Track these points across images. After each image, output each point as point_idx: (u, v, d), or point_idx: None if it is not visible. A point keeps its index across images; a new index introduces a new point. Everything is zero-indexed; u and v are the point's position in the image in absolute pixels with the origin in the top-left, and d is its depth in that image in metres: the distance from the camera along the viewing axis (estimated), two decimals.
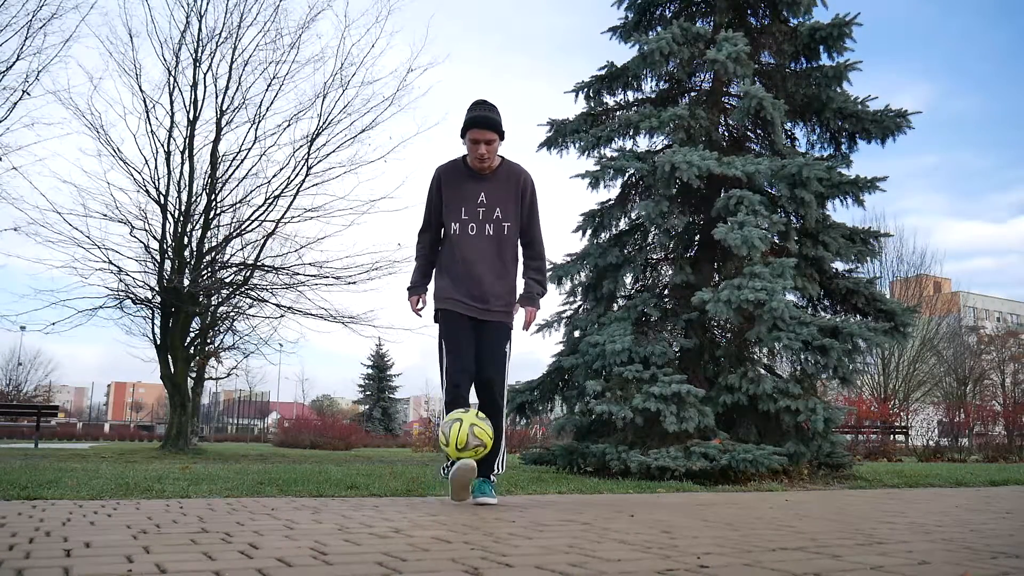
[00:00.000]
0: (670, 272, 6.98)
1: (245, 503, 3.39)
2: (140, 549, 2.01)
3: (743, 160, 6.28)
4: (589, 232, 7.17)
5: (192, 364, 12.75)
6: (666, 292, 7.01)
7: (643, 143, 7.13)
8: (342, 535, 2.38)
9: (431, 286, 3.89)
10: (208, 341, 13.25)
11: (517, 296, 3.86)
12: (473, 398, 3.73)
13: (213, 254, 11.95)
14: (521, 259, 3.88)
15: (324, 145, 11.95)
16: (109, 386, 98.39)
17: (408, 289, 3.91)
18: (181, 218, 11.59)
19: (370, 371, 41.30)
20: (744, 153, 6.86)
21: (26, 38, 10.48)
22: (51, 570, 1.71)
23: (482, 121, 3.60)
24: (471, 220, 3.69)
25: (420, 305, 3.87)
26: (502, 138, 3.69)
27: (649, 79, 7.34)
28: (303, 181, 11.84)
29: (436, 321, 3.80)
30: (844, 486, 5.62)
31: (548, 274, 7.06)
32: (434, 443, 19.92)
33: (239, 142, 12.12)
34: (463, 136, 3.68)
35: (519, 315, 3.85)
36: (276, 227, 11.91)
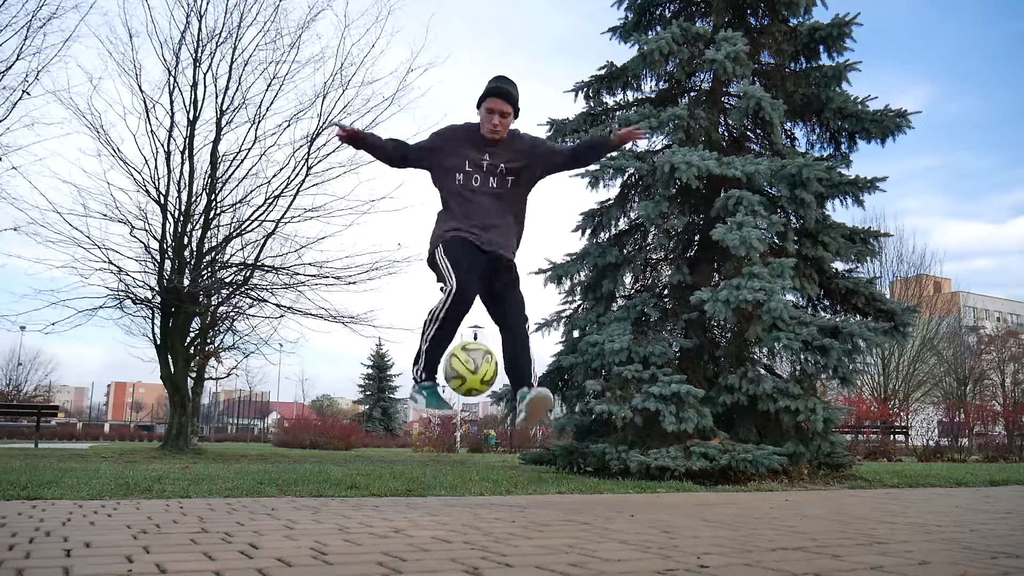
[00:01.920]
0: (669, 272, 6.98)
1: (245, 503, 3.39)
2: (140, 549, 2.01)
3: (743, 160, 6.28)
4: (588, 232, 7.17)
5: (192, 364, 12.75)
6: (665, 292, 7.01)
7: (642, 143, 7.13)
8: (342, 535, 2.38)
9: (429, 231, 3.74)
10: (208, 341, 13.25)
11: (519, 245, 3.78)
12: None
13: (213, 254, 11.94)
14: (574, 150, 3.88)
15: (324, 145, 11.94)
16: (109, 386, 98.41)
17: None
18: (181, 218, 11.58)
19: (370, 371, 41.27)
20: (744, 153, 6.86)
21: (26, 38, 10.45)
22: (51, 570, 1.71)
23: (501, 92, 3.59)
24: (475, 172, 3.63)
25: (347, 130, 3.74)
26: (516, 115, 3.67)
27: (649, 79, 7.34)
28: (303, 181, 11.83)
29: (436, 256, 3.59)
30: (844, 486, 5.62)
31: (548, 274, 7.10)
32: (434, 443, 19.92)
33: (239, 142, 12.12)
34: (479, 106, 3.65)
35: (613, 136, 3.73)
36: (276, 227, 11.91)
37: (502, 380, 3.71)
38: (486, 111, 3.61)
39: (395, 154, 3.81)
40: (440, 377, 3.55)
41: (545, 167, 3.79)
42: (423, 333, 3.49)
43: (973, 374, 30.10)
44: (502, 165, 3.64)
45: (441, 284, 3.52)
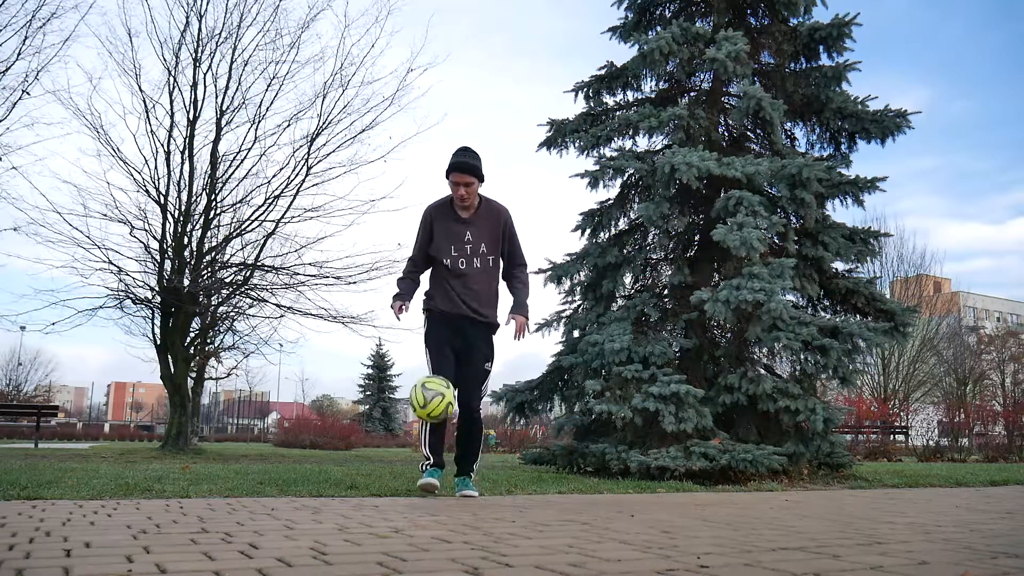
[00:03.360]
0: (669, 272, 6.98)
1: (245, 503, 3.39)
2: (140, 549, 2.01)
3: (743, 161, 6.28)
4: (588, 232, 7.17)
5: (192, 364, 12.74)
6: (665, 292, 7.01)
7: (642, 143, 7.14)
8: (342, 535, 2.38)
9: (418, 295, 4.37)
10: (208, 341, 13.23)
11: (498, 312, 4.31)
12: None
13: (213, 254, 11.93)
14: (505, 275, 4.37)
15: (324, 145, 11.94)
16: (109, 386, 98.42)
17: (393, 296, 4.30)
18: (181, 218, 11.58)
19: (370, 371, 41.27)
20: (744, 153, 6.86)
21: (26, 38, 10.45)
22: (51, 570, 1.71)
23: (462, 167, 4.08)
24: (460, 256, 4.17)
25: (404, 311, 4.28)
26: (481, 181, 4.17)
27: (649, 79, 7.34)
28: (303, 181, 11.83)
29: (424, 316, 4.32)
30: (844, 486, 5.62)
31: (548, 273, 7.10)
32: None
33: (239, 142, 12.10)
34: (447, 177, 4.14)
35: (509, 326, 4.25)
36: (276, 227, 11.90)
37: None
38: (453, 183, 4.13)
39: (424, 269, 4.38)
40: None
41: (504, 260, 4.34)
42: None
43: (973, 374, 30.09)
44: (483, 247, 4.20)
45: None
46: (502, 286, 4.37)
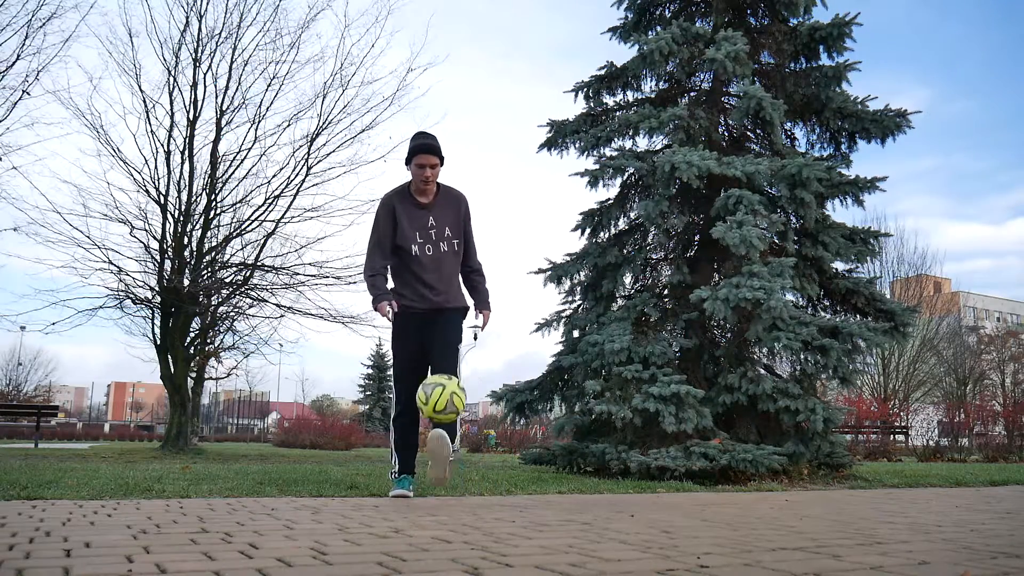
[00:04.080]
0: (669, 272, 6.98)
1: (245, 503, 3.39)
2: (140, 549, 2.01)
3: (743, 160, 6.28)
4: (588, 231, 7.17)
5: (192, 364, 12.74)
6: (665, 292, 7.01)
7: (642, 143, 7.14)
8: (342, 535, 2.38)
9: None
10: (208, 341, 13.23)
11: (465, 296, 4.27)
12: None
13: (213, 254, 11.93)
14: (463, 271, 4.29)
15: (324, 145, 11.94)
16: (109, 386, 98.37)
17: (375, 298, 4.12)
18: (181, 218, 11.58)
19: (370, 371, 41.31)
20: (744, 153, 6.86)
21: (26, 38, 10.44)
22: (51, 570, 1.71)
23: (426, 148, 4.03)
24: (427, 242, 4.11)
25: (393, 310, 4.12)
26: (442, 163, 4.13)
27: (649, 79, 7.34)
28: (303, 181, 11.83)
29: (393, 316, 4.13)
30: (844, 486, 5.62)
31: (548, 273, 7.11)
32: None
33: (239, 142, 12.10)
34: (408, 163, 4.09)
35: (478, 319, 4.21)
36: (276, 227, 11.91)
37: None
38: (416, 167, 4.05)
39: (389, 259, 4.22)
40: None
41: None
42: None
43: (973, 374, 30.09)
44: (447, 231, 4.13)
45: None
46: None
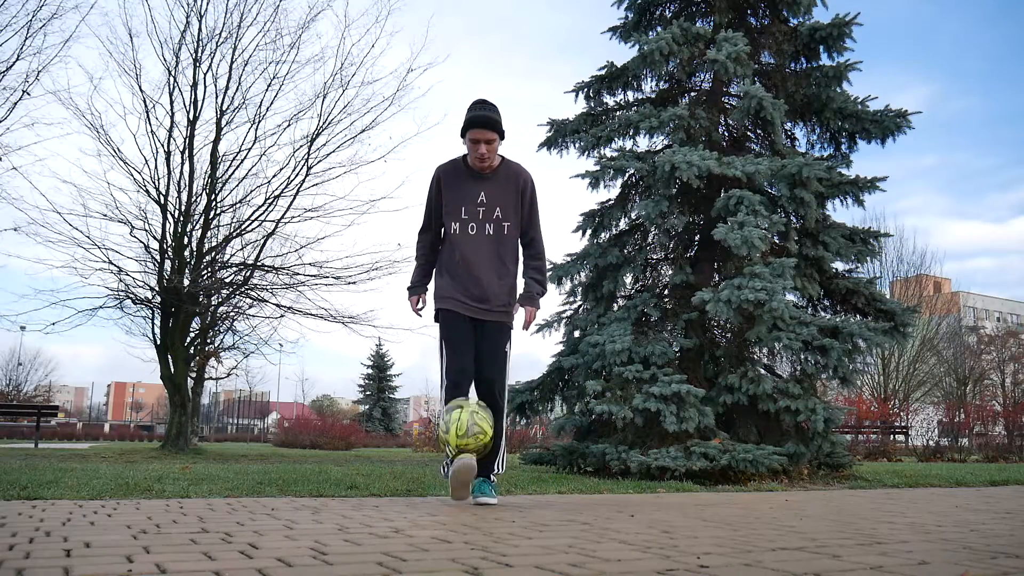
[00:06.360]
0: (670, 272, 6.98)
1: (245, 503, 3.39)
2: (140, 549, 2.01)
3: (743, 160, 6.28)
4: (589, 232, 7.17)
5: (192, 364, 12.75)
6: (666, 292, 7.01)
7: (643, 143, 7.13)
8: (342, 535, 2.37)
9: (431, 285, 3.90)
10: (208, 341, 13.24)
11: (517, 296, 3.85)
12: (473, 396, 3.74)
13: (213, 254, 11.94)
14: (521, 258, 3.87)
15: (324, 145, 11.94)
16: (109, 386, 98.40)
17: (408, 289, 3.92)
18: (181, 218, 11.58)
19: (370, 371, 41.24)
20: (744, 153, 6.86)
21: (26, 38, 10.46)
22: (51, 570, 1.71)
23: (482, 121, 3.59)
24: (471, 220, 3.68)
25: (420, 305, 3.89)
26: (502, 138, 3.68)
27: (649, 79, 7.34)
28: (303, 181, 11.83)
29: (436, 320, 3.81)
30: (844, 486, 5.62)
31: (548, 274, 7.08)
32: (434, 442, 19.91)
33: (239, 142, 12.11)
34: (463, 135, 3.67)
35: (519, 315, 3.84)
36: (276, 227, 11.91)
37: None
38: (471, 142, 3.63)
39: (438, 242, 3.88)
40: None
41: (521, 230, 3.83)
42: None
43: (973, 374, 30.09)
44: (498, 211, 3.70)
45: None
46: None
